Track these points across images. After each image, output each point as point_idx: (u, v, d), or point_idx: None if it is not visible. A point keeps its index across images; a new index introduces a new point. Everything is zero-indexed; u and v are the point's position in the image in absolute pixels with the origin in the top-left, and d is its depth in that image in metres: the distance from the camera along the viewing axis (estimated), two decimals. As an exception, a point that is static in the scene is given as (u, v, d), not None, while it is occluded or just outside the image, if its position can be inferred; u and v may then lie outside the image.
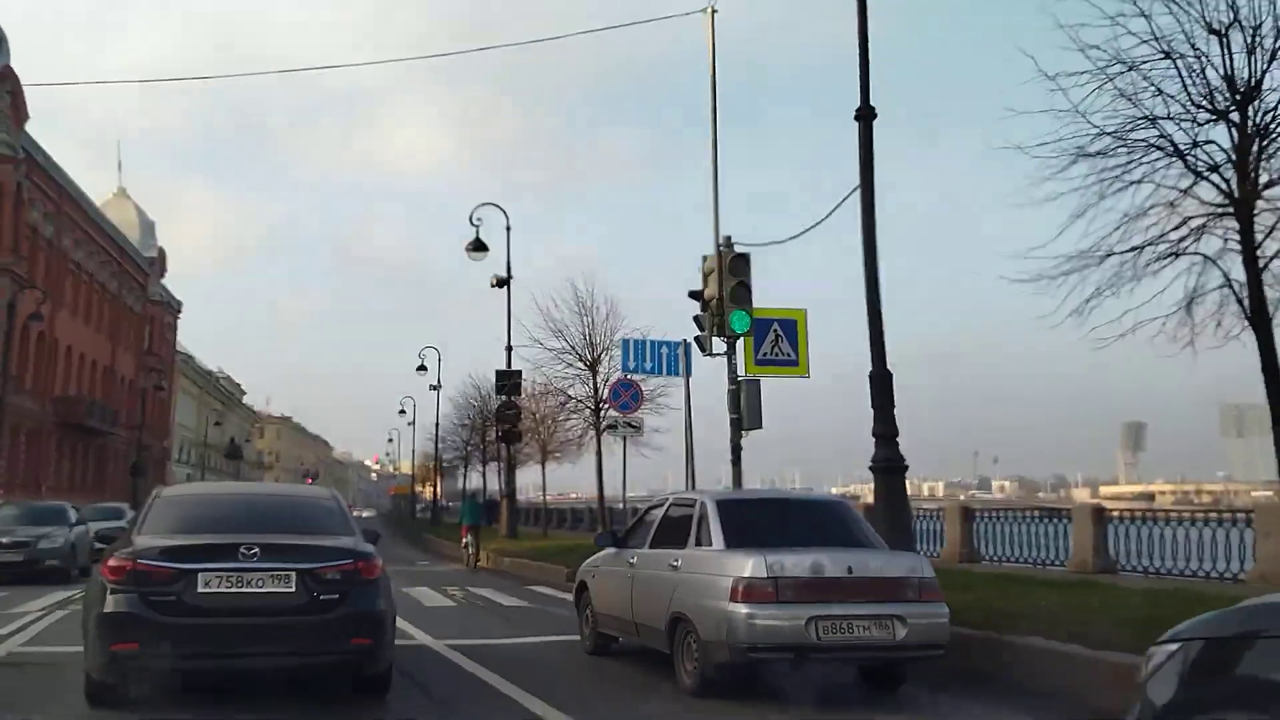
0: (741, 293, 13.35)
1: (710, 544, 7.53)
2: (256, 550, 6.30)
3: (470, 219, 25.86)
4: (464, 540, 24.45)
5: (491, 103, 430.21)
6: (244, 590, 6.21)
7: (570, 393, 24.54)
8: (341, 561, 6.51)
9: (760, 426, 13.49)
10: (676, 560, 7.75)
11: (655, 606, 7.87)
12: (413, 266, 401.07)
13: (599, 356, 24.04)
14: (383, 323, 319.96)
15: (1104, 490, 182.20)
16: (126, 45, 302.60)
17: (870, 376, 10.59)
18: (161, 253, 69.15)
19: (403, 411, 68.08)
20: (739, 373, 13.62)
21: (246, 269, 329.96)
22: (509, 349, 26.86)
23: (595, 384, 24.04)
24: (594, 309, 23.95)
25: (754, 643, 6.78)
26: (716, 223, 13.76)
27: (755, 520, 7.87)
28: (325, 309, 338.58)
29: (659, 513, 8.78)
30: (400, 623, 8.15)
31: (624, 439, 18.80)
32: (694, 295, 13.85)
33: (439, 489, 56.69)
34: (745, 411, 13.40)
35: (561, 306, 24.08)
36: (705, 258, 13.86)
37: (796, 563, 6.93)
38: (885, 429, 10.48)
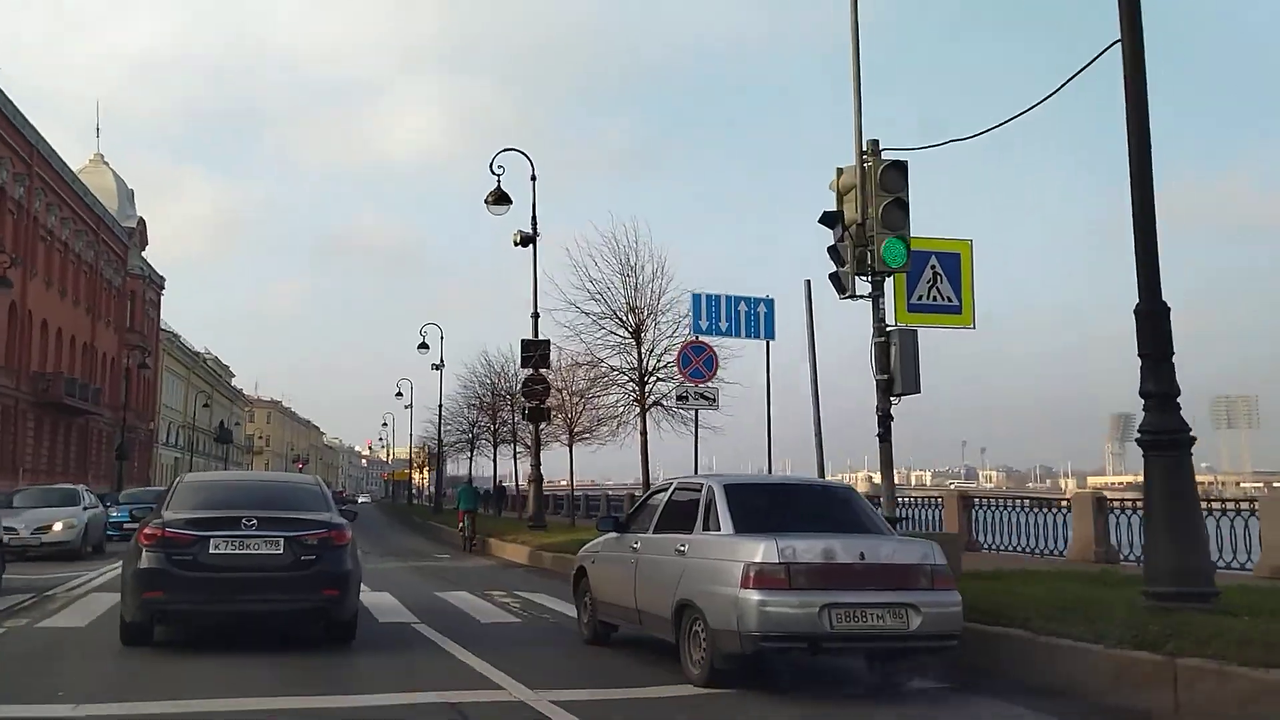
0: (897, 214, 10.14)
1: (719, 529, 7.29)
2: (255, 522, 8.34)
3: (490, 167, 22.60)
4: (460, 525, 25.13)
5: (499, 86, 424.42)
6: (244, 552, 8.22)
7: (612, 364, 21.25)
8: (318, 530, 8.51)
9: (918, 390, 10.33)
10: (683, 545, 7.47)
11: (660, 593, 7.58)
12: (407, 253, 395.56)
13: (644, 322, 20.81)
14: (375, 310, 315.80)
15: (1092, 480, 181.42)
16: (126, 29, 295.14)
17: (1138, 314, 7.45)
18: (142, 223, 65.54)
19: (400, 394, 65.35)
20: (888, 321, 10.46)
21: (236, 256, 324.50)
22: (535, 315, 23.62)
23: (640, 354, 20.83)
24: (639, 267, 20.70)
25: (766, 631, 6.51)
26: (859, 121, 10.42)
27: (764, 505, 7.71)
28: (315, 295, 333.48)
29: (663, 497, 8.45)
30: (465, 655, 8.20)
31: (695, 414, 15.59)
32: (826, 219, 10.63)
33: (441, 474, 53.15)
34: (899, 371, 10.22)
35: (601, 265, 20.83)
36: (840, 170, 10.63)
37: (808, 548, 6.70)
38: (1161, 386, 7.36)
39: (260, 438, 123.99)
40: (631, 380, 21.03)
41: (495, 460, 40.49)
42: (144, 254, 65.81)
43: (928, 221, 10.86)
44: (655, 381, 20.95)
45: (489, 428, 39.74)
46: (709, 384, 15.56)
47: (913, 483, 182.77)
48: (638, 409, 21.18)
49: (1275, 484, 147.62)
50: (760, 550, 6.59)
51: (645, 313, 20.79)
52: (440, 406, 47.29)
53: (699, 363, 15.34)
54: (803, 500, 8.14)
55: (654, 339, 20.83)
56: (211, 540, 8.17)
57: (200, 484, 9.79)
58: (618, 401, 21.79)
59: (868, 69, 11.40)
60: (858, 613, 6.51)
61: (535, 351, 23.73)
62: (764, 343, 15.13)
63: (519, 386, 35.05)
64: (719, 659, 6.76)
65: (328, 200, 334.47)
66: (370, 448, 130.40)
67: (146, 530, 8.43)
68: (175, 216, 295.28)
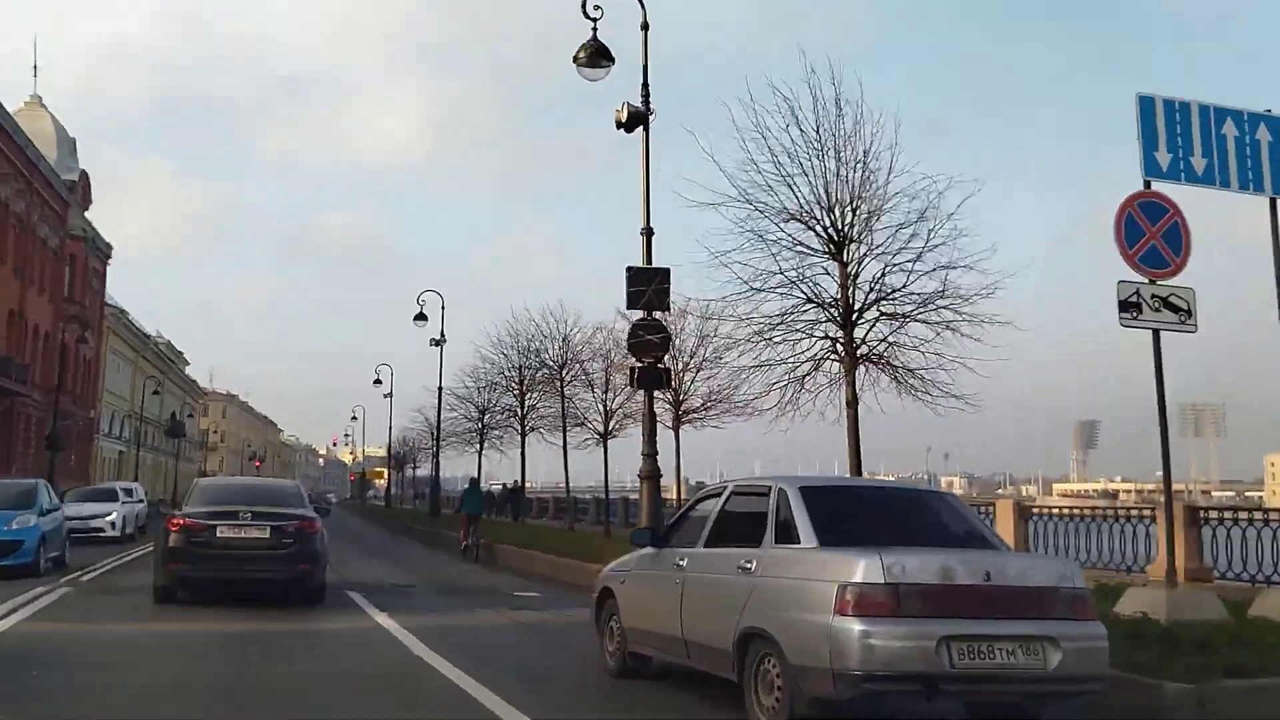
0: None
1: (797, 541, 6.01)
2: (249, 514, 11.81)
3: (583, 9, 14.98)
4: (462, 532, 22.99)
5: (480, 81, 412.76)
6: (241, 536, 11.66)
7: (799, 291, 13.61)
8: (295, 521, 11.96)
9: None
10: (749, 561, 6.23)
11: (716, 621, 6.39)
12: (376, 254, 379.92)
13: (850, 228, 13.41)
14: (338, 310, 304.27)
15: (1059, 488, 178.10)
16: (98, 17, 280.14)
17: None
18: (85, 178, 56.85)
19: (378, 381, 58.06)
20: None
21: (197, 251, 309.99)
22: (647, 231, 16.07)
23: (845, 279, 13.44)
24: (843, 137, 13.26)
25: (870, 670, 5.26)
26: None
27: (851, 512, 6.50)
28: (277, 294, 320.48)
29: (715, 505, 7.16)
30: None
31: (1155, 336, 8.12)
32: None
33: (438, 470, 44.80)
34: None
35: (779, 134, 13.37)
36: None
37: (921, 565, 5.48)
38: None
39: (215, 432, 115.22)
40: (831, 319, 13.54)
41: (524, 452, 32.17)
42: (88, 215, 57.19)
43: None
44: (870, 323, 13.59)
45: (517, 411, 31.90)
46: (1175, 279, 8.07)
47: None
48: (833, 366, 13.78)
49: (1247, 493, 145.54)
50: (860, 567, 5.42)
51: (853, 212, 13.41)
52: (440, 391, 39.45)
53: (1156, 234, 7.83)
54: (897, 507, 6.94)
55: (865, 253, 13.52)
56: (218, 527, 11.64)
57: (210, 486, 14.73)
58: (794, 354, 14.14)
59: None
60: (984, 647, 5.36)
61: (649, 284, 16.03)
62: (1266, 199, 7.69)
63: (567, 358, 27.54)
64: (801, 704, 5.58)
65: (295, 197, 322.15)
66: (335, 444, 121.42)
67: (173, 519, 11.96)
68: (139, 211, 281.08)
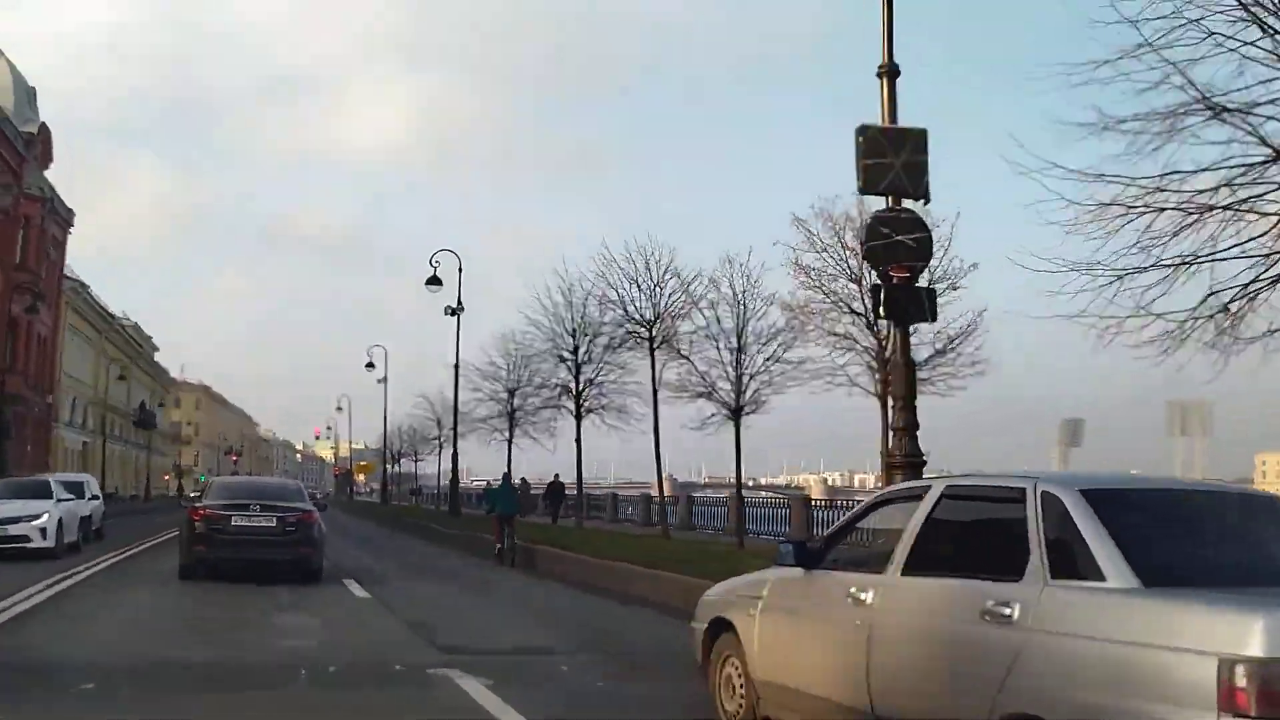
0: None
1: (1098, 577, 3.87)
2: (259, 506, 13.84)
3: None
4: (496, 534, 19.08)
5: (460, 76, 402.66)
6: (252, 524, 13.61)
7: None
8: (296, 513, 13.93)
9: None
10: (1005, 606, 4.06)
11: (945, 694, 4.30)
12: (356, 250, 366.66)
13: None
14: (317, 307, 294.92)
15: None
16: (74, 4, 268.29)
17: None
18: (45, 132, 50.09)
19: (371, 365, 52.30)
20: None
21: (175, 244, 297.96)
22: (890, 72, 10.10)
23: None
24: None
25: None
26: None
27: (1168, 531, 4.26)
28: (255, 288, 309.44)
29: (921, 510, 4.89)
30: None
31: None
32: None
33: (457, 462, 38.09)
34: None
35: None
36: None
37: None
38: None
39: (189, 425, 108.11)
40: None
41: (579, 438, 25.39)
42: (47, 175, 50.46)
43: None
44: None
45: (565, 389, 25.62)
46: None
47: (855, 484, 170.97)
48: None
49: None
50: (1257, 630, 3.19)
51: None
52: (456, 370, 33.14)
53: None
54: (1230, 520, 4.44)
55: None
56: (233, 517, 13.65)
57: (225, 483, 17.28)
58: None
59: None
60: None
61: (897, 153, 10.02)
62: None
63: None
64: None
65: (275, 191, 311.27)
66: (318, 436, 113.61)
67: (195, 510, 13.99)
68: (118, 204, 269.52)
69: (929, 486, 5.16)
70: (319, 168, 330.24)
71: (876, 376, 16.39)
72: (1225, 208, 7.83)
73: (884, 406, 15.26)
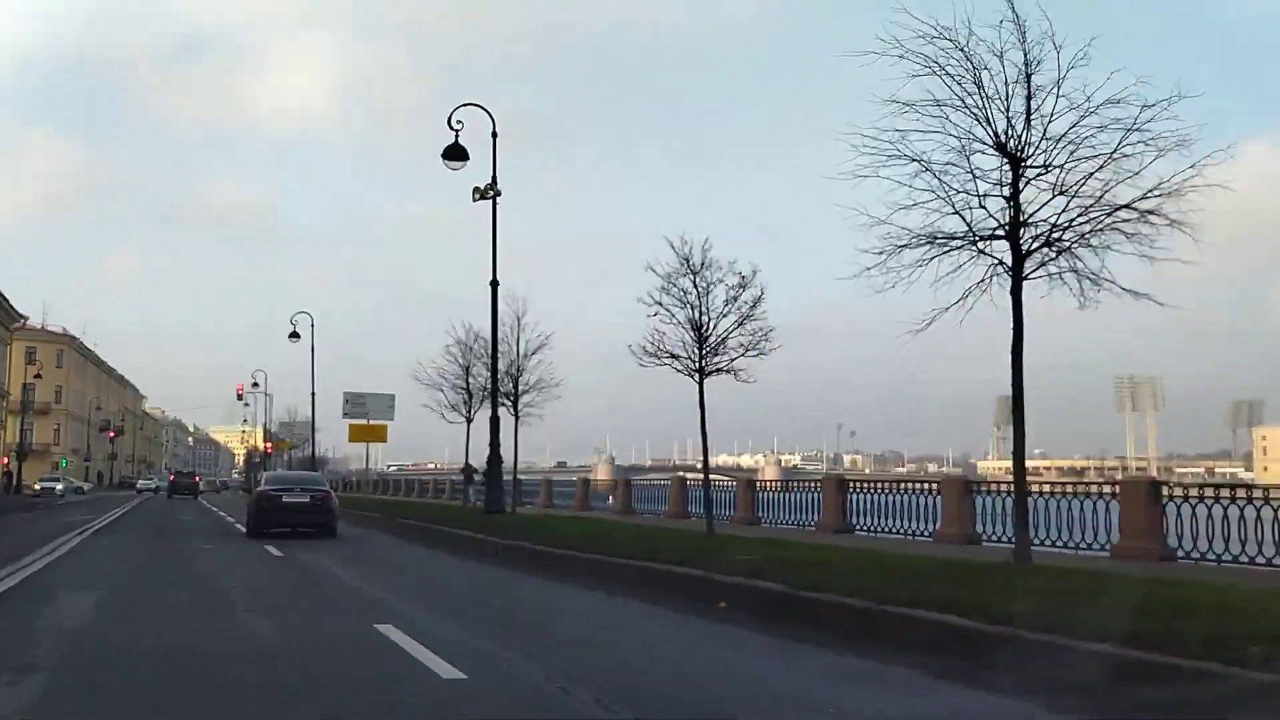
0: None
1: None
2: (299, 488, 22.46)
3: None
4: None
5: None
6: (295, 500, 21.72)
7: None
8: (322, 492, 22.43)
9: None
10: None
11: None
12: (263, 227, 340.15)
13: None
14: (221, 286, 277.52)
15: (985, 465, 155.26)
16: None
17: None
18: None
19: (295, 335, 45.51)
20: None
21: (71, 219, 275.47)
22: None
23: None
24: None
25: None
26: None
27: None
28: (156, 265, 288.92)
29: None
30: None
31: None
32: None
33: (497, 436, 28.95)
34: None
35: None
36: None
37: None
38: None
39: (47, 382, 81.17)
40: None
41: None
42: None
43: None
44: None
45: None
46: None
47: (783, 465, 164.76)
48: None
49: (1179, 469, 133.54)
50: None
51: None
52: (494, 285, 27.24)
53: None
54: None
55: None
56: (283, 495, 21.66)
57: (274, 475, 27.81)
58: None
59: None
60: None
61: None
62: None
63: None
64: None
65: (181, 165, 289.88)
66: (240, 395, 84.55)
67: (257, 491, 24.14)
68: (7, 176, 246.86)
69: None
70: (230, 141, 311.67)
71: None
72: None
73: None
